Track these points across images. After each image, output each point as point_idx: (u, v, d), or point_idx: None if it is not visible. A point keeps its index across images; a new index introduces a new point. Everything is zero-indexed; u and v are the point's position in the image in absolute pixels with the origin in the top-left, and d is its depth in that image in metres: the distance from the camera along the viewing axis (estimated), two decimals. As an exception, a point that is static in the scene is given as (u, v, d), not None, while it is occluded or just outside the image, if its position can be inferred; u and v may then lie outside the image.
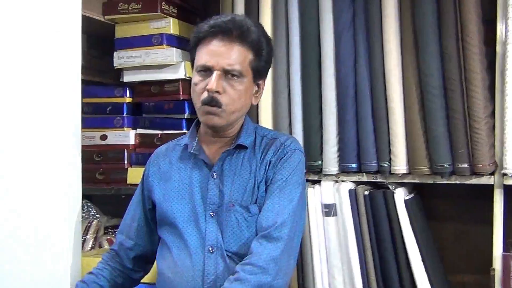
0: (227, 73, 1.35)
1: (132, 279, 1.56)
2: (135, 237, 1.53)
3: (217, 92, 1.34)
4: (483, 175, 1.67)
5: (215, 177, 1.41)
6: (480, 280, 1.82)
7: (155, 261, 1.50)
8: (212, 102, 1.36)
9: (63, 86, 1.62)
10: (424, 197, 1.96)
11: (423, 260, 1.74)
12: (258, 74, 1.42)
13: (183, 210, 1.42)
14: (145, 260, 1.56)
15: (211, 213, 1.39)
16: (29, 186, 1.63)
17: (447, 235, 2.03)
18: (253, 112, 1.93)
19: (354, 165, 1.82)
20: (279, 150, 1.42)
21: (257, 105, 1.93)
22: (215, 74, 1.34)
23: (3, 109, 1.61)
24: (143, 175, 1.57)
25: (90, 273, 1.52)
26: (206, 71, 1.37)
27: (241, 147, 1.43)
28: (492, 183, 1.67)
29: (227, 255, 1.36)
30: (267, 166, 1.40)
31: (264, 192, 1.39)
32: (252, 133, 1.47)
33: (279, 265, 1.29)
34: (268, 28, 1.86)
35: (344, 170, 1.85)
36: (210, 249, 1.36)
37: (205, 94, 1.36)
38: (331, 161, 1.85)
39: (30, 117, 1.62)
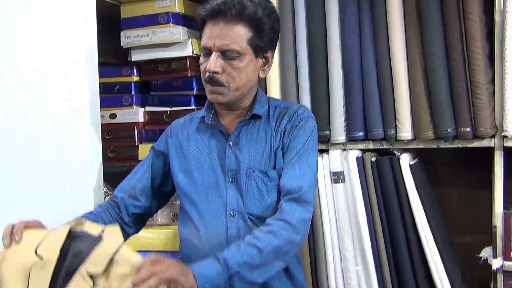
0: (224, 53, 1.41)
1: (125, 232, 1.59)
2: (139, 197, 1.57)
3: (215, 72, 1.41)
4: (484, 138, 1.76)
5: (231, 145, 1.48)
6: (482, 240, 1.92)
7: (178, 229, 1.57)
8: (212, 81, 1.43)
9: (82, 67, 1.68)
10: (427, 163, 2.05)
11: (428, 221, 1.83)
12: (260, 49, 1.46)
13: (203, 179, 1.49)
14: (141, 220, 1.62)
15: (231, 179, 1.46)
16: (52, 165, 1.70)
17: (449, 198, 2.13)
18: (261, 85, 1.98)
19: (361, 134, 1.91)
20: (293, 118, 1.49)
21: (265, 78, 1.99)
22: (213, 55, 1.41)
23: (27, 94, 1.67)
24: (161, 142, 1.62)
25: (90, 213, 1.52)
26: (208, 52, 1.43)
27: (256, 117, 1.50)
28: (493, 145, 1.76)
29: (249, 218, 1.43)
30: (282, 133, 1.47)
31: (282, 159, 1.46)
32: (265, 103, 1.54)
33: (307, 227, 1.39)
34: (274, 3, 1.91)
35: (351, 139, 1.93)
36: (232, 213, 1.44)
37: (207, 74, 1.43)
38: (338, 130, 1.92)
39: (51, 99, 1.68)
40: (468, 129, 1.75)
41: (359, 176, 1.88)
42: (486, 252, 1.82)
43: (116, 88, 2.27)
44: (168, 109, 2.20)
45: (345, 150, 1.93)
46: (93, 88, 1.71)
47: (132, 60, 2.22)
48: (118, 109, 2.25)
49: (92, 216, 1.51)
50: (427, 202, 1.86)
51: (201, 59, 1.46)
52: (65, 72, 1.67)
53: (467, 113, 1.75)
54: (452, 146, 1.81)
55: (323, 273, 1.96)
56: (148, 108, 2.25)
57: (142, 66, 2.26)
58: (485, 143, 1.77)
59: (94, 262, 1.15)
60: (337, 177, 1.92)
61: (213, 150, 1.51)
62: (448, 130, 1.77)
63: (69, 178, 1.70)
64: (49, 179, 1.72)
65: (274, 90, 1.99)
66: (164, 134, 1.63)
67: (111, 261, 1.15)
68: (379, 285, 1.88)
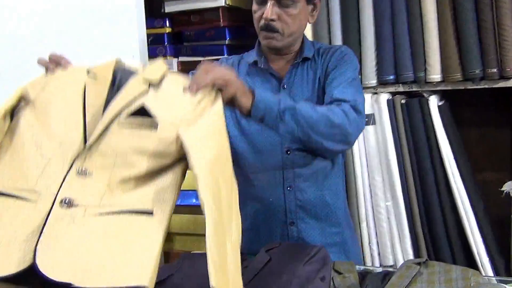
0: (280, 1, 1.48)
1: None
2: None
3: (272, 20, 1.49)
4: (510, 78, 1.87)
5: (285, 87, 1.57)
6: (500, 177, 2.05)
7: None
8: (268, 28, 1.51)
9: (131, 16, 1.77)
10: (451, 105, 2.16)
11: (455, 159, 1.97)
12: None
13: None
14: None
15: None
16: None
17: (470, 138, 2.25)
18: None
19: (391, 77, 2.01)
20: (337, 53, 1.56)
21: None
22: (269, 3, 1.48)
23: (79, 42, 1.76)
24: None
25: None
26: (262, 1, 1.50)
27: (305, 59, 1.60)
28: (518, 84, 1.88)
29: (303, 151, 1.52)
30: (327, 65, 1.54)
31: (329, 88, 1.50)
32: (311, 46, 1.63)
33: (358, 132, 1.43)
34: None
35: (382, 82, 2.03)
36: (287, 151, 1.54)
37: (262, 22, 1.51)
38: (370, 74, 2.03)
39: (101, 48, 1.77)
40: (495, 69, 1.86)
41: (390, 118, 2.00)
42: (508, 186, 1.96)
43: (149, 40, 2.35)
44: (201, 59, 2.28)
45: (376, 93, 2.04)
46: (142, 37, 1.79)
47: (166, 12, 2.29)
48: (153, 60, 2.33)
49: None
50: (454, 141, 1.98)
51: (254, 7, 1.54)
52: (115, 21, 1.75)
53: (494, 54, 1.85)
54: (479, 86, 1.92)
55: (354, 209, 2.10)
56: (181, 58, 2.34)
57: (174, 17, 2.33)
58: (510, 83, 1.88)
59: (150, 72, 1.09)
60: (368, 119, 2.04)
61: None
62: (476, 71, 1.88)
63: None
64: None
65: (307, 36, 2.07)
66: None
67: (162, 79, 1.08)
68: (407, 218, 2.03)
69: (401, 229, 2.05)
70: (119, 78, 1.10)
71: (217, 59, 2.15)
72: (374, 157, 2.05)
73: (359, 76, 1.59)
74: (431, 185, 2.00)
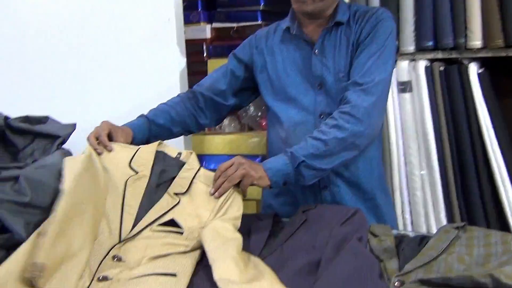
0: None
1: (198, 124, 1.67)
2: (216, 93, 1.64)
3: None
4: (555, 44, 1.81)
5: (317, 53, 1.55)
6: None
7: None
8: None
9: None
10: (491, 73, 2.10)
11: (494, 128, 1.92)
12: None
13: (290, 84, 1.57)
14: (217, 112, 1.68)
15: (318, 86, 1.54)
16: (139, 74, 1.81)
17: (510, 108, 2.19)
18: None
19: (430, 43, 1.96)
20: (372, 18, 1.52)
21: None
22: None
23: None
24: (244, 51, 1.66)
25: (165, 104, 1.63)
26: None
27: (338, 24, 1.56)
28: None
29: None
30: (361, 31, 1.51)
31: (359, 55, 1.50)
32: (346, 10, 1.59)
33: (372, 117, 1.44)
34: None
35: (420, 48, 1.98)
36: (321, 115, 1.53)
37: None
38: (408, 40, 1.98)
39: (138, 11, 1.77)
40: (539, 36, 1.80)
41: (427, 85, 1.96)
42: (547, 157, 1.91)
43: (183, 5, 2.34)
44: (235, 24, 2.27)
45: (414, 60, 1.99)
46: (178, 2, 1.79)
47: (200, -23, 2.28)
48: (187, 26, 2.32)
49: (166, 107, 1.61)
50: (493, 110, 1.93)
51: None
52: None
53: (539, 19, 1.79)
54: (521, 54, 1.87)
55: (388, 177, 2.08)
56: (215, 25, 2.33)
57: (207, -17, 2.32)
58: (555, 50, 1.82)
59: (178, 184, 1.34)
60: (404, 86, 2.00)
61: (298, 60, 1.57)
62: (519, 37, 1.82)
63: (156, 88, 1.80)
64: (136, 89, 1.83)
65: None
66: (248, 45, 1.67)
67: (191, 183, 1.34)
68: (442, 187, 2.00)
69: (435, 198, 2.02)
70: (158, 172, 1.35)
71: (251, 26, 2.17)
72: (410, 125, 2.01)
73: (396, 42, 1.53)
74: (468, 154, 1.96)
